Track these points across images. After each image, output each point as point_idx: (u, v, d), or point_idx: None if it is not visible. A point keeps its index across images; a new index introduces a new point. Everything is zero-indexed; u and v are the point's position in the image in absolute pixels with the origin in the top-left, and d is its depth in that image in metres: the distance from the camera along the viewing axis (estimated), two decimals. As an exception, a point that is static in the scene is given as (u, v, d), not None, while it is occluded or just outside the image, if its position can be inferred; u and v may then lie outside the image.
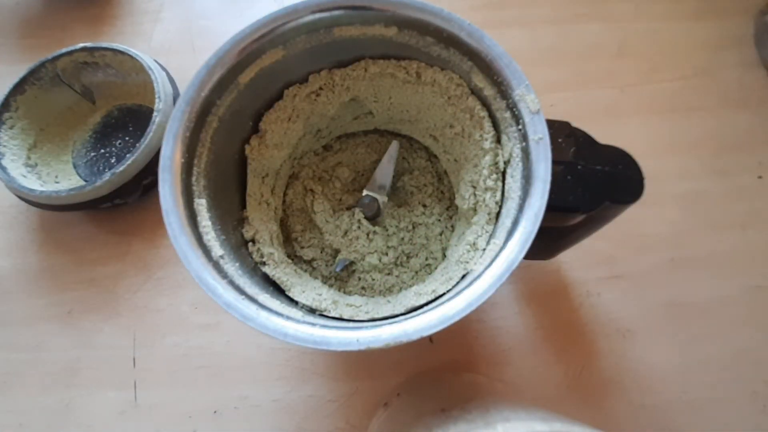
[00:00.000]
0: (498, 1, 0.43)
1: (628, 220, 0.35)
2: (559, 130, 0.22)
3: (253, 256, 0.25)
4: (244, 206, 0.26)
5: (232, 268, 0.21)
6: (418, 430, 0.21)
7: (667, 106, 0.39)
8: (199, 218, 0.21)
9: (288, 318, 0.19)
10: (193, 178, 0.21)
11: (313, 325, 0.18)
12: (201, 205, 0.21)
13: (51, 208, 0.34)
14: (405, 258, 0.29)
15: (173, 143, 0.21)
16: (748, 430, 0.30)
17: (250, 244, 0.25)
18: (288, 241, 0.29)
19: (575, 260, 0.34)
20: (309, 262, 0.29)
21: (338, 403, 0.31)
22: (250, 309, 0.18)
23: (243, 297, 0.19)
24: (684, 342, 0.32)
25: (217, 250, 0.20)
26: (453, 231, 0.29)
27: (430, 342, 0.32)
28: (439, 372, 0.31)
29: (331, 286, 0.28)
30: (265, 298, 0.20)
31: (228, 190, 0.25)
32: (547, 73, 0.39)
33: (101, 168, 0.38)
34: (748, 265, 0.34)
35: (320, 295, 0.24)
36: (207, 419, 0.31)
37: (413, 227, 0.29)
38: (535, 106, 0.20)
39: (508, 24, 0.42)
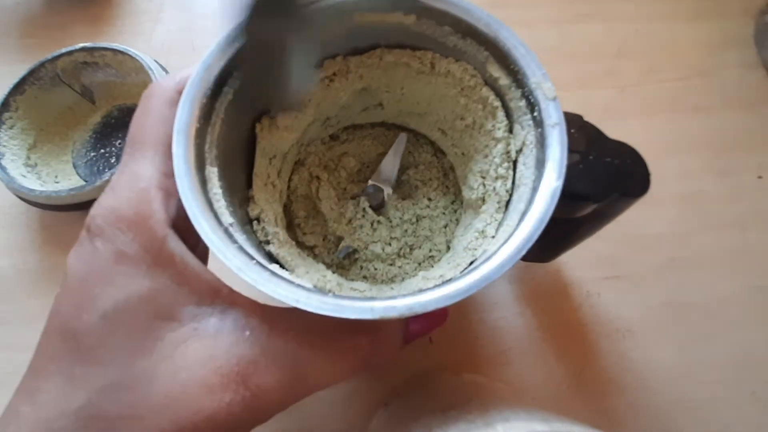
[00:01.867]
0: (498, 0, 0.43)
1: (628, 220, 0.35)
2: (572, 122, 0.23)
3: (258, 235, 0.24)
4: (249, 186, 0.26)
5: (240, 237, 0.20)
6: (418, 430, 0.21)
7: (667, 106, 0.39)
8: (209, 185, 0.21)
9: (299, 286, 0.18)
10: (206, 146, 0.21)
11: (325, 294, 0.18)
12: (212, 173, 0.21)
13: (51, 208, 0.34)
14: (408, 249, 0.29)
15: (190, 107, 0.20)
16: (748, 430, 0.30)
17: (255, 223, 0.25)
18: (290, 227, 0.29)
19: (575, 260, 0.34)
20: (311, 249, 0.29)
21: (338, 403, 0.31)
22: (262, 275, 0.18)
23: (254, 262, 0.19)
24: (684, 342, 0.32)
25: (227, 217, 0.20)
26: (458, 224, 0.29)
27: (430, 342, 0.32)
28: (439, 372, 0.31)
29: (333, 273, 0.28)
30: (274, 267, 0.20)
31: (235, 167, 0.25)
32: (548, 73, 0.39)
33: (101, 168, 0.38)
34: (748, 265, 0.34)
35: (324, 276, 0.24)
36: (207, 419, 0.31)
37: (417, 219, 0.29)
38: (552, 93, 0.21)
39: (508, 24, 0.42)
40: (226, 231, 0.20)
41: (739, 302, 0.33)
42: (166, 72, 0.38)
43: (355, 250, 0.28)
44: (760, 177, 0.36)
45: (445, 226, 0.29)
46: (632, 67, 0.40)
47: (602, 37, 0.41)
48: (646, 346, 0.32)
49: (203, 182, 0.20)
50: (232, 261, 0.18)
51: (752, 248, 0.34)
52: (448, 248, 0.28)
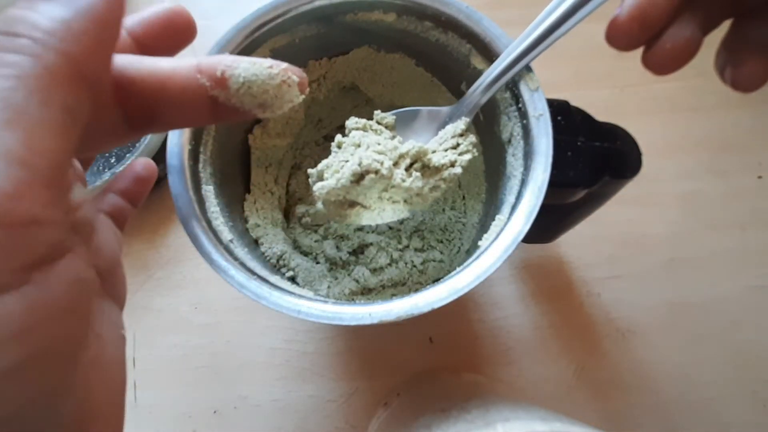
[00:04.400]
0: (497, 1, 0.43)
1: (628, 220, 0.35)
2: (558, 109, 0.22)
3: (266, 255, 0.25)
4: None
5: (242, 252, 0.21)
6: (419, 430, 0.21)
7: (667, 106, 0.39)
8: (207, 204, 0.21)
9: (300, 296, 0.19)
10: (200, 165, 0.21)
11: (325, 302, 0.18)
12: (209, 191, 0.21)
13: (51, 208, 0.34)
14: (407, 244, 0.29)
15: (180, 130, 0.21)
16: (748, 430, 0.30)
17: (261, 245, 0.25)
18: (291, 229, 0.30)
19: (576, 260, 0.34)
20: (313, 248, 0.29)
21: (338, 403, 0.31)
22: (263, 289, 0.18)
23: (255, 278, 0.19)
24: (684, 342, 0.32)
25: (227, 234, 0.21)
26: (465, 214, 0.29)
27: (430, 342, 0.32)
28: (439, 372, 0.31)
29: (335, 263, 0.28)
30: (276, 279, 0.20)
31: (233, 180, 0.25)
32: (547, 73, 0.39)
33: (101, 168, 0.38)
34: (748, 265, 0.34)
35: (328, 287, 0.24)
36: (207, 419, 0.31)
37: (415, 215, 0.30)
38: (535, 84, 0.21)
39: (508, 24, 0.42)
40: (227, 248, 0.20)
41: (739, 302, 0.33)
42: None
43: (357, 248, 0.28)
44: (759, 177, 0.36)
45: (445, 227, 0.29)
46: (632, 67, 0.40)
47: (602, 37, 0.41)
48: (647, 346, 0.32)
49: (201, 202, 0.21)
50: (234, 279, 0.18)
51: (752, 248, 0.34)
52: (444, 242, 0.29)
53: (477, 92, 0.21)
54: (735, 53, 0.17)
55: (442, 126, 0.23)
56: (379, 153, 0.20)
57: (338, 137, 0.22)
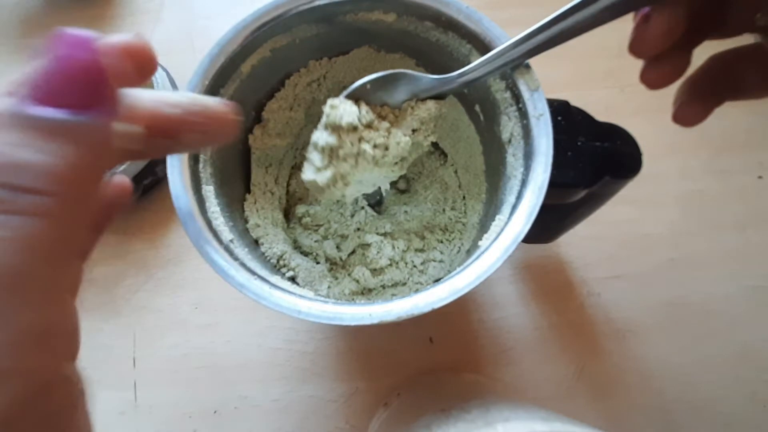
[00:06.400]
0: (498, 2, 0.43)
1: (628, 220, 0.35)
2: (558, 109, 0.22)
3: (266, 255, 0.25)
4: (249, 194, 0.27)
5: (242, 252, 0.21)
6: (418, 430, 0.21)
7: (667, 106, 0.38)
8: (207, 204, 0.21)
9: (300, 296, 0.19)
10: (200, 165, 0.22)
11: (326, 302, 0.18)
12: (209, 191, 0.21)
13: (51, 208, 0.34)
14: (408, 245, 0.29)
15: None
16: (748, 430, 0.30)
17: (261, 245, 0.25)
18: (291, 229, 0.30)
19: (576, 260, 0.34)
20: (313, 248, 0.29)
21: (338, 403, 0.31)
22: (263, 289, 0.18)
23: (255, 278, 0.19)
24: (684, 342, 0.32)
25: (227, 234, 0.21)
26: (465, 214, 0.30)
27: (430, 342, 0.32)
28: (439, 372, 0.31)
29: (335, 264, 0.28)
30: (276, 279, 0.20)
31: (233, 180, 0.25)
32: (547, 73, 0.39)
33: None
34: (748, 265, 0.34)
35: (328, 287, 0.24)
36: (207, 419, 0.31)
37: (415, 217, 0.30)
38: (535, 84, 0.21)
39: (508, 24, 0.42)
40: (227, 248, 0.20)
41: (738, 302, 0.33)
42: (167, 72, 0.38)
43: (356, 249, 0.29)
44: (760, 177, 0.36)
45: (445, 228, 0.29)
46: (632, 67, 0.40)
47: (602, 37, 0.41)
48: (646, 346, 0.32)
49: (201, 202, 0.21)
50: (234, 279, 0.18)
51: (752, 248, 0.34)
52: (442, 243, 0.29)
53: (475, 70, 0.20)
54: (688, 93, 0.22)
55: (421, 91, 0.22)
56: (392, 170, 0.21)
57: (328, 142, 0.20)
